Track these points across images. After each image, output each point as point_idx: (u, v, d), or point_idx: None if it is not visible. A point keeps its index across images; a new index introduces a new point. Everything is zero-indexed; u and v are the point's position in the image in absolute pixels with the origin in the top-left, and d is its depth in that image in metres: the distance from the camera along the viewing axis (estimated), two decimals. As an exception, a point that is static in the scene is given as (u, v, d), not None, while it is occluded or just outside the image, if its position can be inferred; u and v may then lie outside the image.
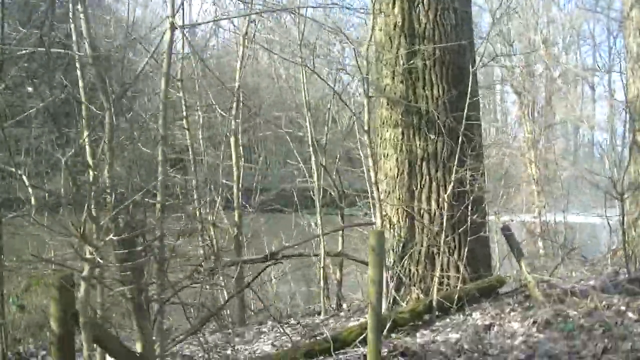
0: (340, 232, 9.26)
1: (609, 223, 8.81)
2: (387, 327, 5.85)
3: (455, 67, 7.30)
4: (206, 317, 4.86)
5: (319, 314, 8.34)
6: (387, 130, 7.39)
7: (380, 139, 7.53)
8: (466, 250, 6.95)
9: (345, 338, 5.75)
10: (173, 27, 4.49)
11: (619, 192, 7.56)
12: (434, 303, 6.46)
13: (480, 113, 8.04)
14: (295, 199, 10.78)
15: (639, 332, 5.72)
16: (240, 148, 9.65)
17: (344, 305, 8.70)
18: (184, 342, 5.85)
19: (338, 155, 9.82)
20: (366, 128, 6.95)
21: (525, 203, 15.51)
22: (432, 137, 7.12)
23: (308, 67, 8.19)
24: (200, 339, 6.05)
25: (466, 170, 6.69)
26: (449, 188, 6.83)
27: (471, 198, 6.76)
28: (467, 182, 6.75)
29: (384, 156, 7.45)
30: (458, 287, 6.78)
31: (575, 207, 17.29)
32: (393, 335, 6.04)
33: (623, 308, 6.33)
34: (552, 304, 6.44)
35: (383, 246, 4.81)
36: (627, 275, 7.49)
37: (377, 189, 6.97)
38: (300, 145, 11.32)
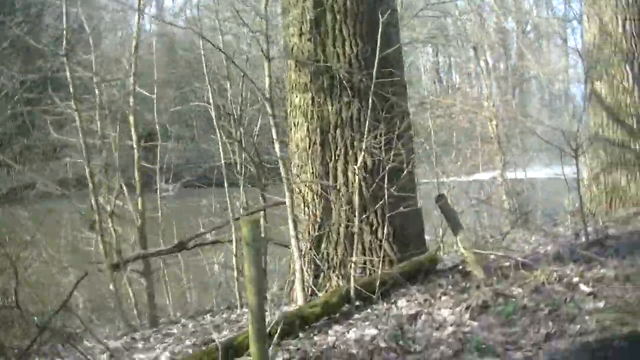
0: (263, 213, 8.30)
1: (566, 181, 8.04)
2: (279, 332, 4.77)
3: (370, 20, 6.31)
4: (33, 339, 3.93)
5: (237, 307, 7.44)
6: (297, 96, 6.45)
7: (290, 105, 6.60)
8: (391, 227, 6.06)
9: (240, 343, 4.75)
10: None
11: (573, 147, 6.78)
12: (352, 292, 5.53)
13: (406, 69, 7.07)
14: (222, 175, 9.81)
15: (591, 309, 4.91)
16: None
17: (268, 297, 7.77)
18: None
19: (256, 127, 8.87)
20: (267, 95, 5.99)
21: (484, 162, 14.72)
22: (346, 100, 6.19)
23: (194, 31, 7.18)
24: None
25: (378, 135, 5.72)
26: (360, 158, 5.87)
27: (386, 168, 5.80)
28: (382, 149, 5.78)
29: (294, 125, 6.51)
30: (379, 272, 5.85)
31: (538, 164, 16.51)
32: (301, 334, 5.10)
33: (576, 279, 5.58)
34: (495, 281, 5.65)
35: (258, 236, 3.91)
36: (585, 239, 6.77)
37: (284, 163, 6.04)
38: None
